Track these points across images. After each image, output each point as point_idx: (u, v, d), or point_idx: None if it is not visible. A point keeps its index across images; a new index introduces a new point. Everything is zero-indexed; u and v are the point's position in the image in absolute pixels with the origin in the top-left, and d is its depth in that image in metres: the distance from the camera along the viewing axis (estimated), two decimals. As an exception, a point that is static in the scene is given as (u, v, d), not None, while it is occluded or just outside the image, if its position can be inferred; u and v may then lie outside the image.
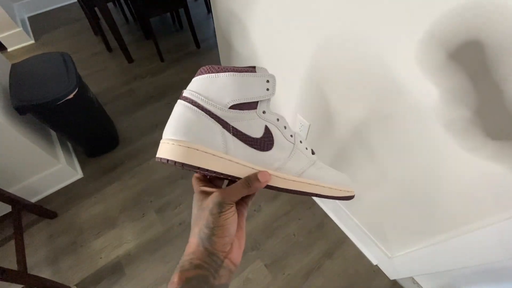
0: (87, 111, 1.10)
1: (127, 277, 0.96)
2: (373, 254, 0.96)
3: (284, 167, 0.29)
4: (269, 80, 0.27)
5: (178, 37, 2.02)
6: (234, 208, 0.26)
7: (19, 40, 1.97)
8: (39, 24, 2.20)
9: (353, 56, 0.52)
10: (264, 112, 0.28)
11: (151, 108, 1.53)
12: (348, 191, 0.33)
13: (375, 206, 0.78)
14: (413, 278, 0.86)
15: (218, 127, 0.26)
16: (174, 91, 1.61)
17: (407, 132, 0.51)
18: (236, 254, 0.27)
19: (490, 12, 0.30)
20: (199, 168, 0.24)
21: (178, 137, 0.24)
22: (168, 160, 0.24)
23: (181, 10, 2.07)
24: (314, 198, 1.12)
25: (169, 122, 0.26)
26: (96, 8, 1.78)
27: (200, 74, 0.26)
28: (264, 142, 0.28)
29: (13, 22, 1.89)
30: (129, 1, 1.99)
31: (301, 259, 0.98)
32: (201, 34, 1.98)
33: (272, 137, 0.28)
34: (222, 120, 0.26)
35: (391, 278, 0.92)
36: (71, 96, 0.96)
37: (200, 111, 0.25)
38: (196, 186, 0.29)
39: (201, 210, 0.26)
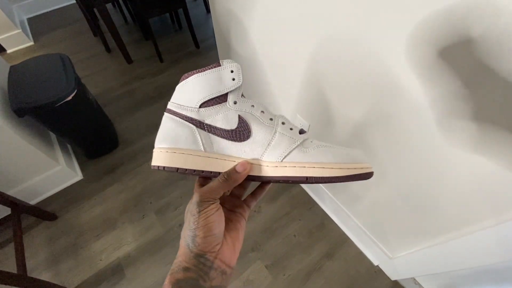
0: (86, 112, 1.10)
1: (127, 279, 0.96)
2: (374, 254, 0.95)
3: (266, 153, 0.27)
4: (233, 70, 0.28)
5: (178, 37, 2.02)
6: (215, 205, 0.25)
7: (18, 41, 1.97)
8: (38, 26, 2.20)
9: (353, 56, 0.51)
10: (235, 102, 0.28)
11: (150, 109, 1.52)
12: (361, 168, 0.25)
13: (375, 206, 0.77)
14: (414, 279, 0.85)
15: (193, 128, 0.28)
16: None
17: (407, 132, 0.51)
18: (229, 255, 0.26)
19: (484, 10, 0.29)
20: (180, 169, 0.27)
21: (161, 145, 0.28)
22: (158, 166, 0.28)
23: (180, 11, 2.06)
24: (314, 198, 1.12)
25: (158, 132, 0.30)
26: (95, 9, 1.78)
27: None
28: (240, 132, 0.28)
29: (12, 23, 1.89)
30: (128, 2, 1.98)
31: (301, 260, 0.98)
32: (200, 34, 1.98)
33: (247, 125, 0.28)
34: (196, 120, 0.28)
35: (392, 278, 0.92)
36: (69, 97, 0.95)
37: (176, 117, 0.28)
38: (195, 191, 0.28)
39: (187, 213, 0.26)
